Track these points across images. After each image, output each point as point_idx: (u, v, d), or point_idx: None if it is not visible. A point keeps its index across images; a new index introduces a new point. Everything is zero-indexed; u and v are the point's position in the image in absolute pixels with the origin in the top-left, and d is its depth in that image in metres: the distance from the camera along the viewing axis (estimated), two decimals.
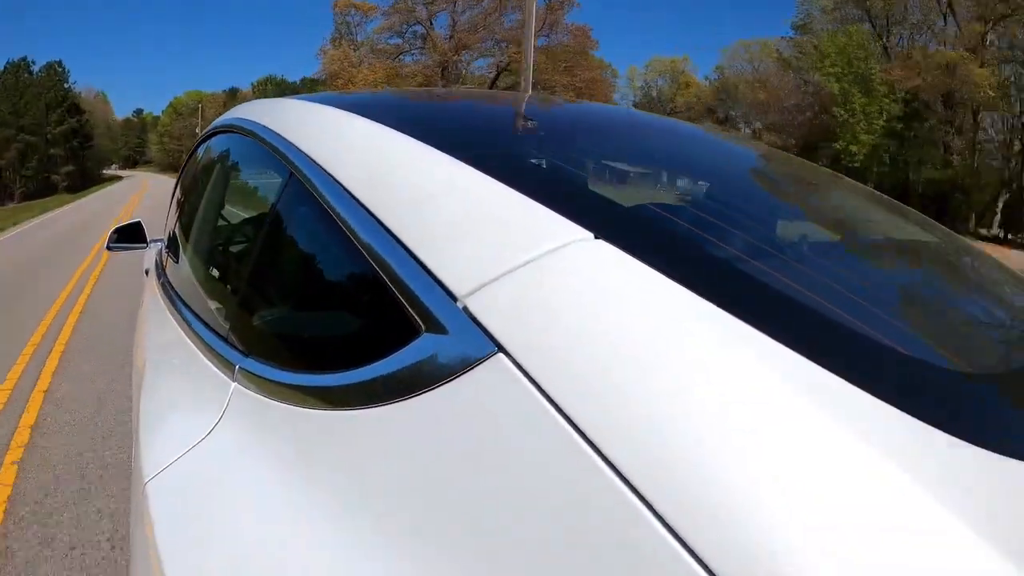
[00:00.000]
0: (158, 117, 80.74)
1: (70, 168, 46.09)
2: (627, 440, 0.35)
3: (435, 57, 26.59)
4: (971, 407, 0.44)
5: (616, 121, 1.14)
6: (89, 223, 13.68)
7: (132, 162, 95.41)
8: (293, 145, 0.79)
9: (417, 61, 27.12)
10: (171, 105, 74.38)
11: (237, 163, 1.30)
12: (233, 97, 66.30)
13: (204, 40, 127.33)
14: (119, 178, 64.05)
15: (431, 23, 27.21)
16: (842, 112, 22.36)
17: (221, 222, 1.34)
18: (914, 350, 0.49)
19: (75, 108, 49.14)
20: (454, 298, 0.47)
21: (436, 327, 0.47)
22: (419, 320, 0.49)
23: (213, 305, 0.99)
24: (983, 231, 21.61)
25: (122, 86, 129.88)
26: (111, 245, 2.05)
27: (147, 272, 1.87)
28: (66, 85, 48.24)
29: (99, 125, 60.15)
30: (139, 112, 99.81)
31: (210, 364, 0.82)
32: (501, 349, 0.42)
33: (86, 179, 51.15)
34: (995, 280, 0.83)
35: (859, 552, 0.29)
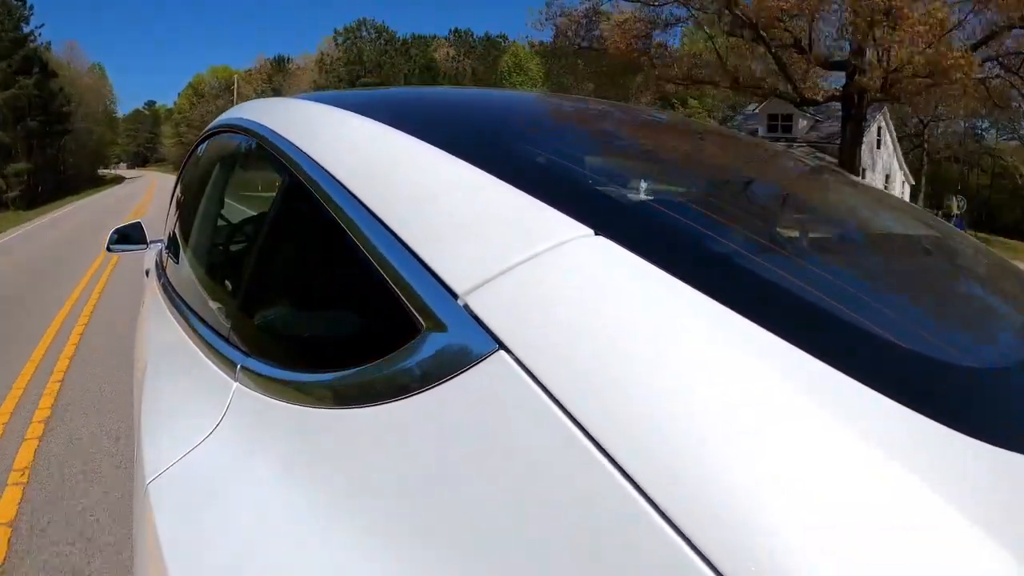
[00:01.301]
0: (172, 110, 64.26)
1: (25, 166, 27.47)
2: (629, 436, 0.35)
3: None
4: (975, 402, 0.44)
5: (617, 118, 1.14)
6: None
7: (142, 160, 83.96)
8: (293, 144, 0.79)
9: None
10: (190, 86, 58.07)
11: (237, 163, 1.30)
12: (280, 68, 49.20)
13: (225, 10, 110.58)
14: (121, 179, 47.91)
15: None
16: None
17: (221, 222, 1.35)
18: (919, 345, 0.49)
19: (40, 66, 29.93)
20: (455, 296, 0.47)
21: (437, 325, 0.47)
22: (420, 318, 0.49)
23: (214, 305, 0.99)
24: None
25: (130, 79, 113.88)
26: (111, 246, 2.01)
27: (147, 273, 1.88)
28: (25, 29, 28.96)
29: (90, 103, 42.90)
30: (151, 104, 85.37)
31: (211, 364, 0.82)
32: (502, 346, 0.42)
33: (66, 182, 33.89)
34: (997, 274, 0.83)
35: (865, 550, 0.29)
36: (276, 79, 49.53)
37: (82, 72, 44.04)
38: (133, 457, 1.01)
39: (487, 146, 0.71)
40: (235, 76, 46.09)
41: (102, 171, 57.78)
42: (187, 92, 58.04)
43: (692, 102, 40.35)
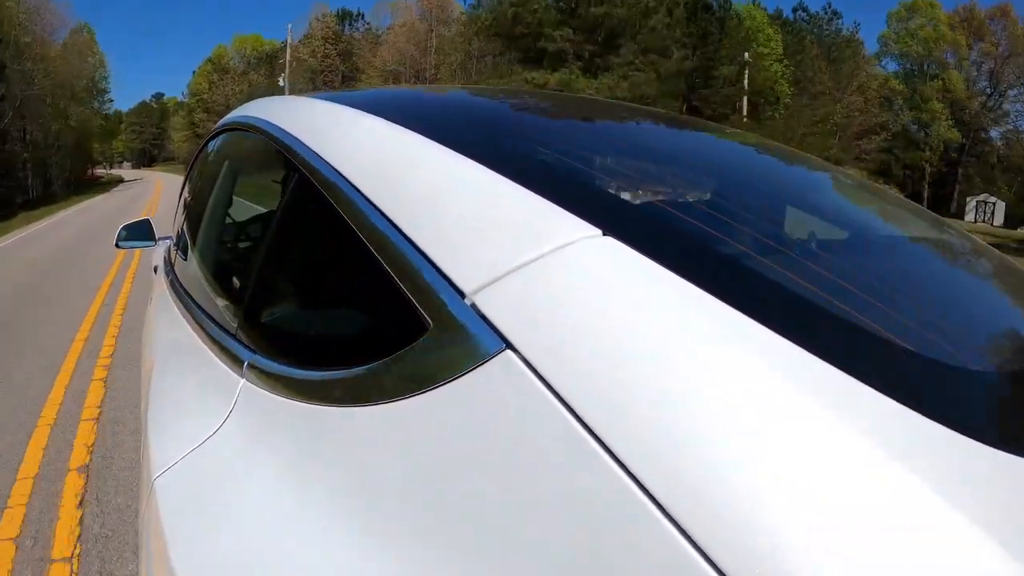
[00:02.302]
0: (184, 102, 51.95)
1: None
2: (635, 437, 0.35)
3: None
4: (980, 404, 0.44)
5: (625, 118, 1.15)
6: None
7: (148, 159, 72.82)
8: (303, 143, 0.79)
9: None
10: (209, 61, 44.96)
11: (246, 161, 1.31)
12: (343, 30, 36.09)
13: None
14: (119, 181, 36.35)
15: None
16: None
17: (230, 220, 1.36)
18: (924, 347, 0.49)
19: None
20: (462, 295, 0.47)
21: (445, 324, 0.47)
22: (427, 317, 0.49)
23: (222, 302, 1.00)
24: None
25: (135, 70, 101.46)
26: (120, 243, 2.02)
27: (156, 269, 1.90)
28: None
29: (62, 68, 29.34)
30: (159, 96, 74.14)
31: (219, 360, 0.82)
32: (509, 346, 0.42)
33: (22, 190, 21.08)
34: (1003, 277, 0.83)
35: (867, 550, 0.29)
36: (343, 40, 36.37)
37: (51, 19, 30.45)
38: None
39: (496, 146, 0.71)
40: (288, 31, 30.91)
41: (100, 171, 45.84)
42: (205, 69, 44.88)
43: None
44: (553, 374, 0.39)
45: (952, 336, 0.55)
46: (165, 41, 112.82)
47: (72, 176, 32.46)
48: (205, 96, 41.81)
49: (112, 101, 40.48)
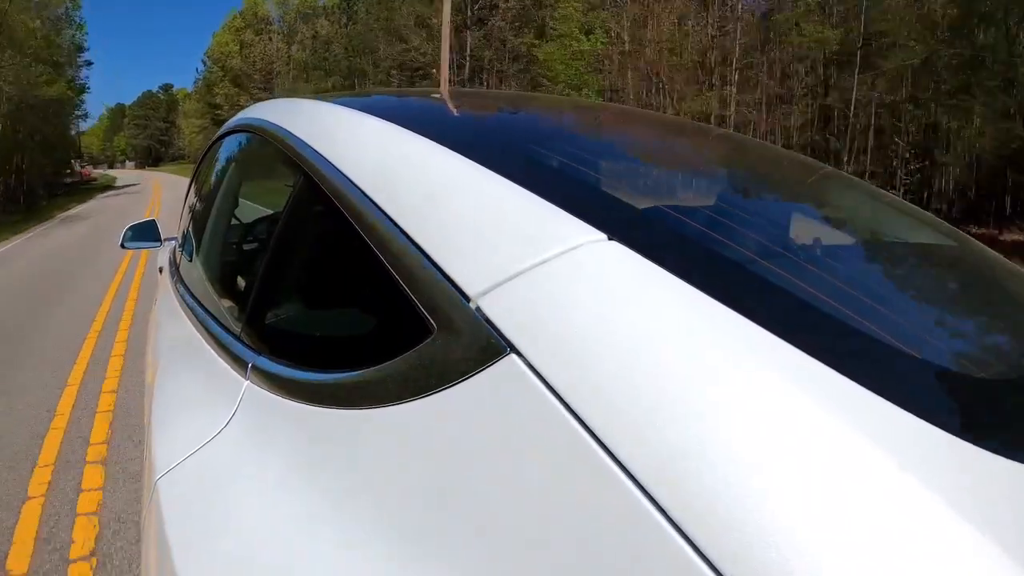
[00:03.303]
0: (201, 75, 39.76)
1: None
2: (639, 443, 0.35)
3: None
4: (987, 413, 0.44)
5: (630, 122, 1.16)
6: None
7: (154, 157, 61.71)
8: (308, 145, 0.80)
9: None
10: (239, 16, 32.02)
11: (251, 163, 1.32)
12: None
13: None
14: (110, 186, 23.22)
15: None
16: None
17: (235, 221, 1.37)
18: (931, 355, 0.49)
19: None
20: (467, 298, 0.47)
21: (449, 327, 0.48)
22: (432, 320, 0.49)
23: (226, 304, 1.01)
24: None
25: (139, 64, 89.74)
26: (125, 243, 2.04)
27: (161, 270, 1.91)
28: None
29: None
30: (167, 88, 62.76)
31: (223, 362, 0.83)
32: (514, 350, 0.42)
33: None
34: (1010, 283, 0.82)
35: (874, 559, 0.29)
36: None
37: None
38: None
39: (501, 150, 0.71)
40: None
41: (98, 170, 34.34)
42: (233, 24, 32.27)
43: None
44: (557, 378, 0.39)
45: (955, 340, 0.55)
46: (169, 32, 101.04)
47: (25, 185, 19.79)
48: (234, 62, 29.08)
49: (91, 64, 27.71)
